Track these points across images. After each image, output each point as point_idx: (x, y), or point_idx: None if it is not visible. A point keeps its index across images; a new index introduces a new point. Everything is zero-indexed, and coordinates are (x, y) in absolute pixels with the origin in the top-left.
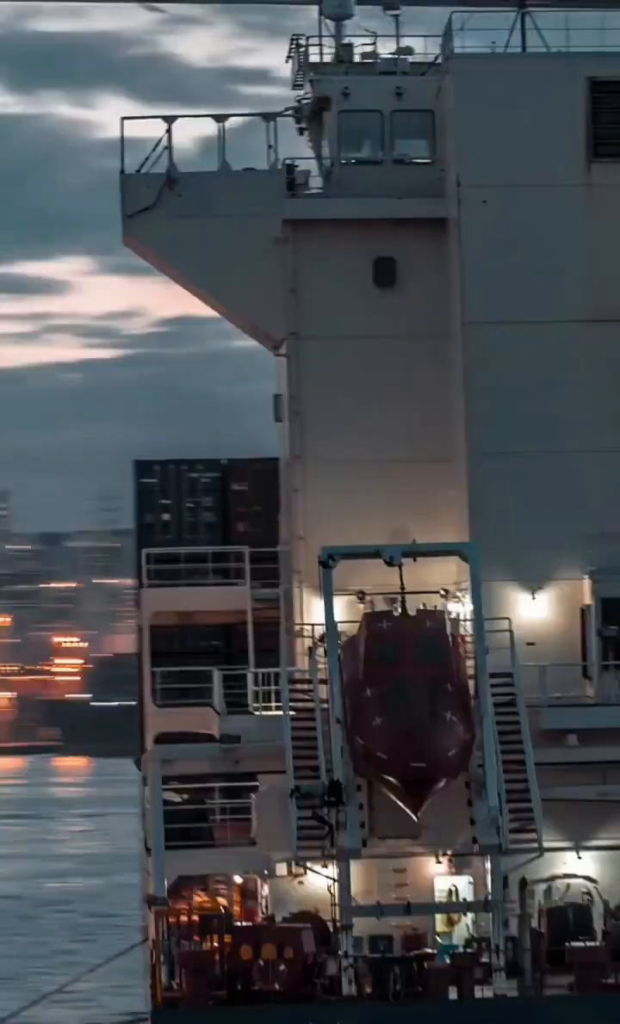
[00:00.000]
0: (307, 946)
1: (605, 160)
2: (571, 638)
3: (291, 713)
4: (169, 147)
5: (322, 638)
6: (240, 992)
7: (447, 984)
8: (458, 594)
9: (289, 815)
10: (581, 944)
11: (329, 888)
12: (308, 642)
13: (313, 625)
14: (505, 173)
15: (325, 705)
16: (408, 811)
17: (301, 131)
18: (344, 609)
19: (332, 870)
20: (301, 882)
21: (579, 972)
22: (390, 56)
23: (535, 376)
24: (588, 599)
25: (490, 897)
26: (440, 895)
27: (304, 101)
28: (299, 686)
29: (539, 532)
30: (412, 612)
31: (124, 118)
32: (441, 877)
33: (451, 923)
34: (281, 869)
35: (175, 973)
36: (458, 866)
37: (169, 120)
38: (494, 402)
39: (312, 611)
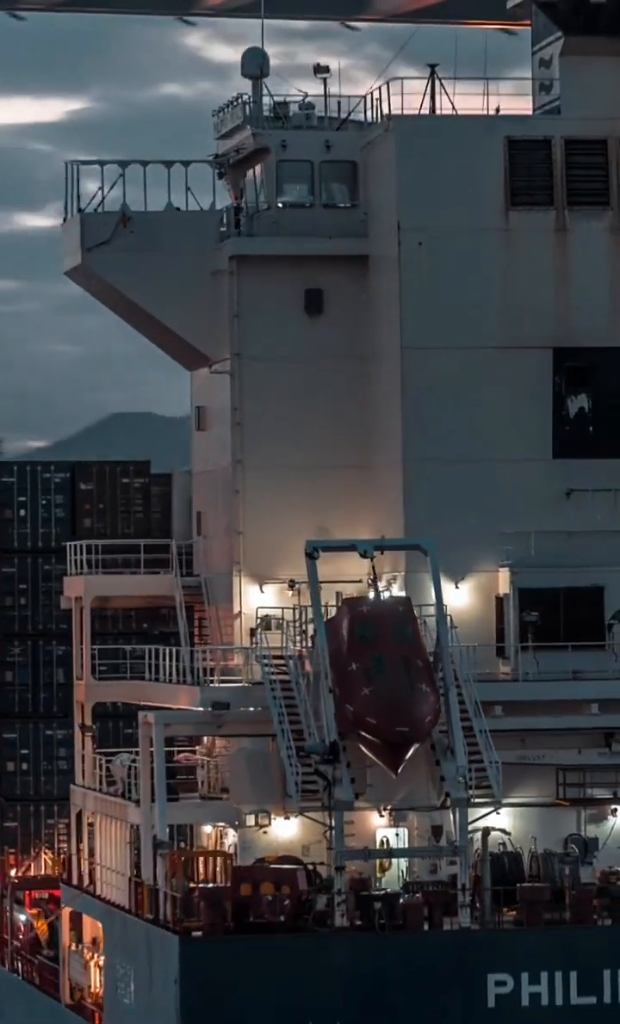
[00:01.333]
0: (301, 884)
1: (520, 208)
2: (487, 623)
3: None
4: (123, 189)
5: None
6: (244, 924)
7: (422, 917)
8: (384, 582)
9: (288, 772)
10: (529, 885)
11: (325, 834)
12: (248, 622)
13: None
14: (437, 219)
15: (285, 677)
16: (387, 769)
17: (220, 175)
18: (275, 596)
19: (293, 821)
20: (266, 832)
21: (528, 908)
22: (322, 116)
23: (459, 394)
24: (505, 589)
25: (457, 843)
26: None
27: (241, 150)
28: (274, 660)
29: (462, 530)
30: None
31: (69, 162)
32: (381, 828)
33: (383, 869)
34: (249, 820)
35: (190, 909)
36: (395, 820)
37: (123, 164)
38: (425, 416)
39: (248, 597)
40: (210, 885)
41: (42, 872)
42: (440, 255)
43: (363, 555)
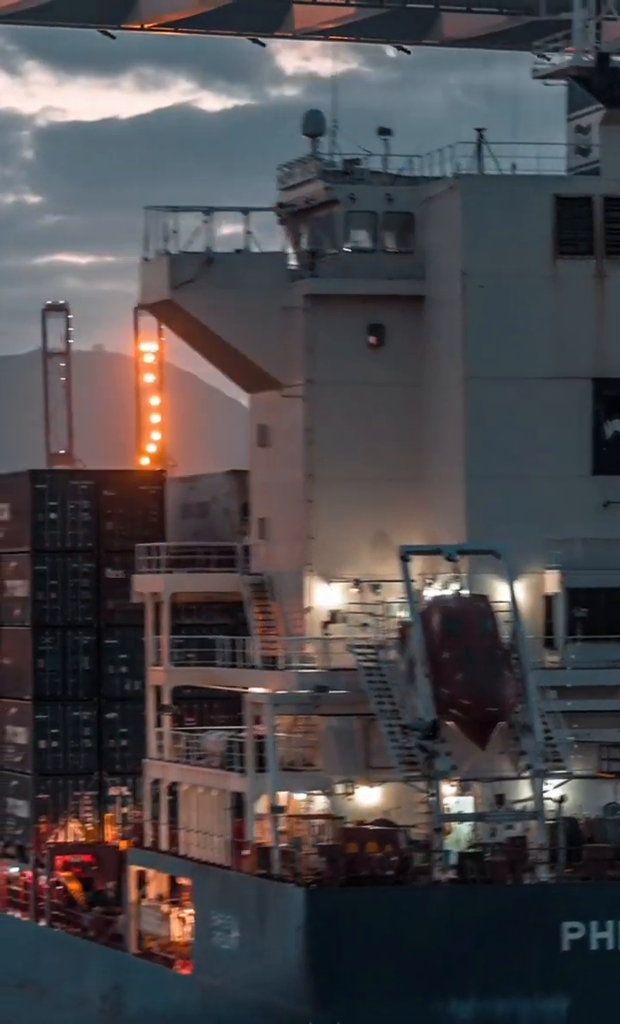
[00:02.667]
0: (401, 843)
1: (566, 257)
2: (535, 618)
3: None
4: (208, 234)
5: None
6: (355, 877)
7: (506, 873)
8: (441, 582)
9: (390, 746)
10: (594, 845)
11: (425, 799)
12: (318, 617)
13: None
14: (496, 265)
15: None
16: (476, 744)
17: (281, 222)
18: (340, 593)
19: (376, 789)
20: (351, 798)
21: (594, 865)
22: (384, 172)
23: (513, 417)
24: (554, 588)
25: (536, 809)
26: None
27: (310, 200)
28: (360, 650)
29: (513, 537)
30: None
31: (148, 207)
32: (450, 798)
33: (447, 832)
34: (338, 788)
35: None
36: (462, 790)
37: (208, 211)
38: (485, 436)
39: (315, 594)
40: (325, 843)
41: (69, 839)
42: (498, 297)
43: (448, 558)
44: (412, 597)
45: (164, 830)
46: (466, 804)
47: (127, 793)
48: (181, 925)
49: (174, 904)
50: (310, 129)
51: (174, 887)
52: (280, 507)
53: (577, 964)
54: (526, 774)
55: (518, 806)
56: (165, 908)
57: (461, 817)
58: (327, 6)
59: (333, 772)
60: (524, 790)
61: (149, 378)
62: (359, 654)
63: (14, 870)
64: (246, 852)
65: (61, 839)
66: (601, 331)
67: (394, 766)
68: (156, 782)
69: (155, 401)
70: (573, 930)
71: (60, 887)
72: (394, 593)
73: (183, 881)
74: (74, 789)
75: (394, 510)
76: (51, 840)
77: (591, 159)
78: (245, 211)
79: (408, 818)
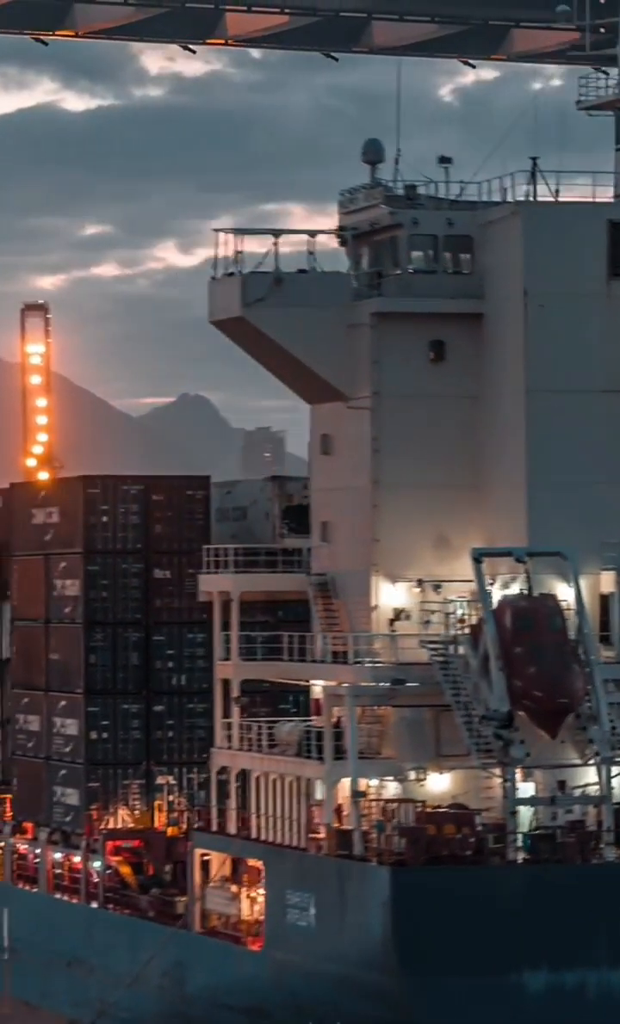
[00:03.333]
0: (477, 825)
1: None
2: (592, 615)
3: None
4: (276, 255)
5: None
6: (435, 857)
7: (577, 853)
8: (500, 583)
9: (466, 735)
10: None
11: (502, 785)
12: (384, 614)
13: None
14: (555, 286)
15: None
16: (546, 734)
17: (342, 243)
18: (404, 592)
19: (446, 775)
20: (422, 784)
21: None
22: (445, 198)
23: (570, 428)
24: (610, 588)
25: (603, 794)
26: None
27: (375, 224)
28: (433, 645)
29: (572, 540)
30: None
31: (216, 229)
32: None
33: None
34: (411, 775)
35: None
36: (525, 776)
37: (276, 234)
38: (545, 446)
39: (380, 593)
40: (407, 826)
41: (119, 826)
42: (557, 316)
43: (517, 560)
44: (486, 596)
45: (232, 815)
46: (528, 789)
47: (173, 782)
48: (251, 904)
49: (243, 885)
50: (370, 157)
51: (236, 869)
52: (344, 511)
53: None
54: (593, 761)
55: (578, 791)
56: (234, 888)
57: (534, 801)
58: (261, 14)
59: (405, 759)
60: (585, 776)
61: (35, 380)
62: (432, 649)
63: (58, 855)
64: (321, 835)
65: (111, 826)
66: None
67: (470, 753)
68: (223, 770)
69: (42, 403)
70: None
71: (110, 871)
72: (454, 592)
73: (253, 863)
74: (123, 778)
75: (453, 515)
76: (102, 826)
77: None
78: (311, 234)
79: (475, 802)
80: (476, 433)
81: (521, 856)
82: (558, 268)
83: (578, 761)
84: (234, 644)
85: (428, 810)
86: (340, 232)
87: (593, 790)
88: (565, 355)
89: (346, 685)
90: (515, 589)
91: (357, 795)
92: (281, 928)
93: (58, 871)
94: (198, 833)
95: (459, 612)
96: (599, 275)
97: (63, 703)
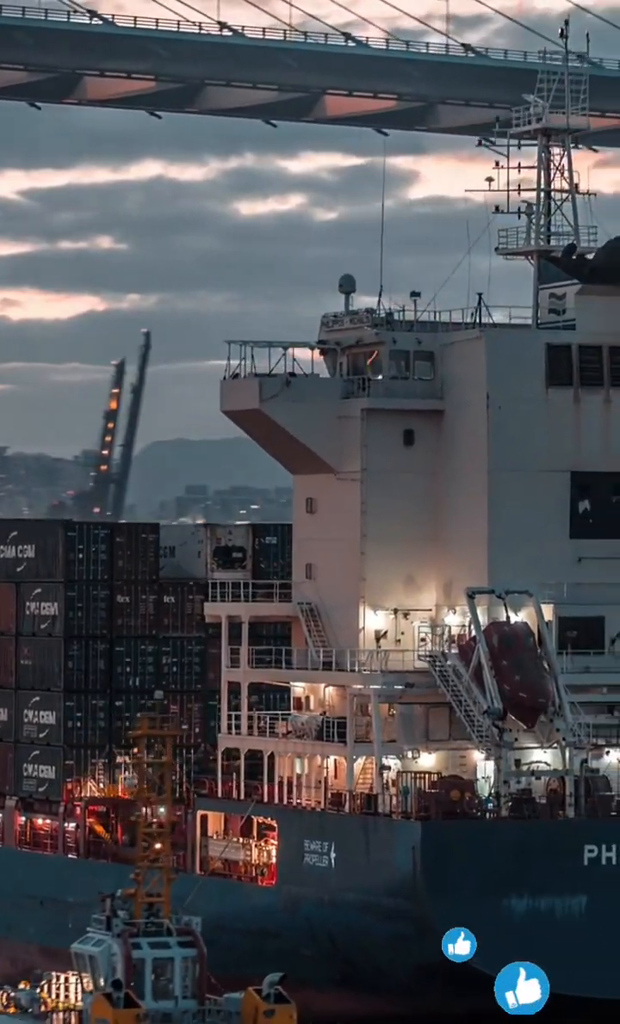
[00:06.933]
0: (476, 792)
1: (554, 387)
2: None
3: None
4: (290, 360)
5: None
6: (449, 813)
7: (548, 812)
8: (455, 609)
9: (470, 726)
10: (604, 794)
11: (495, 762)
12: (369, 634)
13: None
14: (508, 392)
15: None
16: (526, 726)
17: (323, 353)
18: (383, 618)
19: (432, 755)
20: (416, 761)
21: (601, 803)
22: (417, 321)
23: (519, 497)
24: (549, 616)
25: (567, 768)
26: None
27: (360, 341)
28: (430, 658)
29: (523, 580)
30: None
31: (229, 341)
32: (480, 762)
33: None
34: (409, 754)
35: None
36: (489, 757)
37: (285, 347)
38: (502, 510)
39: (366, 619)
40: (428, 790)
41: (92, 794)
42: (510, 414)
43: (498, 596)
44: (477, 621)
45: (238, 784)
46: (490, 767)
47: (129, 761)
48: (260, 852)
49: (251, 838)
50: (346, 288)
51: (227, 826)
52: (328, 556)
53: (593, 874)
54: (556, 746)
55: (533, 767)
56: (242, 840)
57: (522, 773)
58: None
59: (403, 742)
60: (537, 755)
61: None
62: (430, 660)
63: (23, 819)
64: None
65: (81, 795)
66: (577, 439)
67: (473, 739)
68: (228, 750)
69: None
70: (591, 851)
71: (87, 830)
72: (418, 618)
73: (263, 820)
74: (91, 757)
75: (418, 560)
76: (79, 794)
77: (567, 317)
78: (312, 347)
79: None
80: (436, 499)
81: (508, 814)
82: (511, 378)
83: (545, 745)
84: (244, 655)
85: (445, 778)
86: (323, 345)
87: (544, 767)
88: (516, 443)
89: (375, 687)
90: (462, 619)
91: (382, 768)
92: (297, 869)
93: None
94: (202, 798)
95: (448, 632)
96: (540, 384)
97: (37, 698)
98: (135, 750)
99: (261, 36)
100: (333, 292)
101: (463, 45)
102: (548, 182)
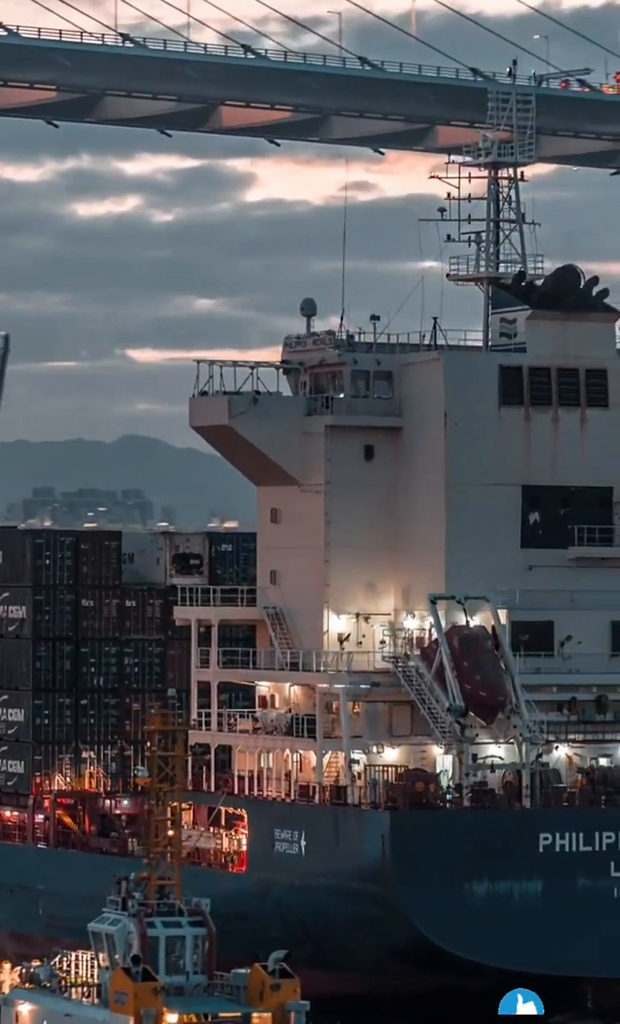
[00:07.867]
0: (439, 783)
1: (507, 406)
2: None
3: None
4: (257, 379)
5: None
6: (415, 803)
7: (506, 801)
8: (414, 613)
9: (433, 723)
10: (557, 786)
11: (457, 756)
12: (333, 637)
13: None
14: (464, 410)
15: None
16: (486, 722)
17: (286, 372)
18: (345, 622)
19: (396, 750)
20: (380, 755)
21: (554, 794)
22: (375, 343)
23: (473, 509)
24: (503, 620)
25: (525, 764)
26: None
27: (323, 362)
28: (395, 659)
29: (478, 586)
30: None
31: (198, 361)
32: (440, 756)
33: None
34: (374, 748)
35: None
36: (447, 749)
37: (253, 366)
38: (459, 520)
39: (330, 622)
40: (394, 782)
41: (60, 787)
42: (465, 431)
43: (458, 601)
44: (439, 625)
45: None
46: (448, 760)
47: (93, 756)
48: (229, 840)
49: (220, 828)
50: (308, 312)
51: (196, 817)
52: (292, 563)
53: (547, 860)
54: (512, 741)
55: (488, 761)
56: (212, 830)
57: (482, 767)
58: None
59: (369, 738)
60: (491, 750)
61: None
62: (394, 661)
63: None
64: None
65: (49, 788)
66: (527, 454)
67: (435, 734)
68: (197, 745)
69: None
70: (546, 839)
71: (56, 822)
72: (377, 622)
73: (231, 811)
74: (59, 753)
75: (377, 567)
76: (48, 787)
77: (517, 340)
78: (278, 367)
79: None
80: (395, 510)
81: (469, 804)
82: (466, 398)
83: (502, 741)
84: (213, 656)
85: (411, 770)
86: (286, 365)
87: (498, 761)
88: (471, 459)
89: (341, 686)
90: (420, 623)
91: (352, 762)
92: (266, 856)
93: None
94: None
95: (409, 635)
96: (493, 403)
97: (5, 697)
98: (148, 744)
99: (162, 48)
100: (171, 293)
101: (359, 58)
102: (497, 212)
